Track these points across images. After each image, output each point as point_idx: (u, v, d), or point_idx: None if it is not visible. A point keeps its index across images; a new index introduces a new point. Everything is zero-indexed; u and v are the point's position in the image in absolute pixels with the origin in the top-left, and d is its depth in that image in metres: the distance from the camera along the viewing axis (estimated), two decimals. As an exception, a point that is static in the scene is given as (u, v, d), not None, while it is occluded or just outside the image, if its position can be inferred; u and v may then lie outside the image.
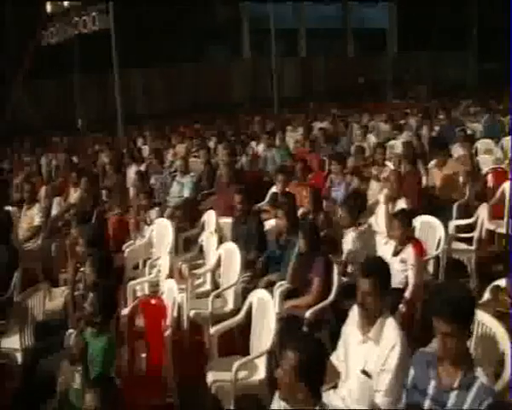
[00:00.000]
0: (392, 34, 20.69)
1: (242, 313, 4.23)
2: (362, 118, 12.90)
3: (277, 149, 9.12)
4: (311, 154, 8.40)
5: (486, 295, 4.12)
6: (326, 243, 4.98)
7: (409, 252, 4.63)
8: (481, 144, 9.54)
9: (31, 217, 7.20)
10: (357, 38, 27.02)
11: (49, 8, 14.22)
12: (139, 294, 5.36)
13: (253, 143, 10.38)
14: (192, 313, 4.84)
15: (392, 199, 5.77)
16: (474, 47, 23.51)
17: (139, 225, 6.36)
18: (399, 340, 2.92)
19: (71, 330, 4.27)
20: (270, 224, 5.71)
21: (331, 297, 4.43)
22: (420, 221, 5.56)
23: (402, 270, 4.59)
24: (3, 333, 4.63)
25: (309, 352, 2.37)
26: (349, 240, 5.05)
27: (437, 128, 10.92)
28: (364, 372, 2.99)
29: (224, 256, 5.17)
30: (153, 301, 4.09)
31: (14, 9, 16.78)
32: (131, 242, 6.19)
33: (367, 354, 3.00)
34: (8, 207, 7.32)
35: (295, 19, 25.28)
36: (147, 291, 5.28)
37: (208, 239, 5.70)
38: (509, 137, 10.14)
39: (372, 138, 10.39)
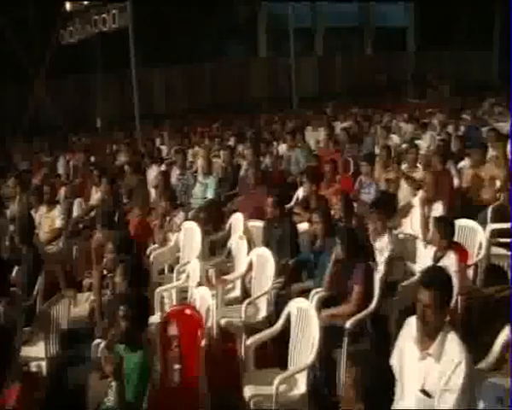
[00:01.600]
0: (412, 32, 20.33)
1: (280, 323, 4.01)
2: (383, 118, 12.63)
3: (300, 150, 8.88)
4: (337, 154, 8.15)
5: None
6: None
7: (451, 258, 4.39)
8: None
9: (52, 219, 7.06)
10: (376, 36, 26.71)
11: (68, 6, 14.09)
12: (166, 300, 5.18)
13: (276, 143, 10.16)
14: (223, 321, 4.62)
15: (428, 202, 5.54)
16: (496, 46, 23.11)
17: (163, 227, 6.16)
18: (464, 357, 2.69)
19: (98, 340, 4.09)
20: (302, 228, 5.49)
21: (372, 306, 4.21)
22: (458, 225, 5.30)
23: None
24: (28, 341, 4.47)
25: (372, 370, 2.18)
26: (384, 245, 4.80)
27: (462, 128, 10.64)
28: (424, 392, 2.76)
29: (256, 262, 4.95)
30: (187, 311, 3.88)
31: (36, 9, 16.74)
32: (156, 245, 6.00)
33: (426, 371, 2.77)
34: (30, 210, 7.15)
35: (313, 17, 25.02)
36: (174, 298, 5.08)
37: (238, 243, 5.48)
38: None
39: (395, 138, 10.14)
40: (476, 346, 2.91)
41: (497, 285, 5.64)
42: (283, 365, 3.98)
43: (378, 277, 4.26)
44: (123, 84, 16.67)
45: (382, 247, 4.79)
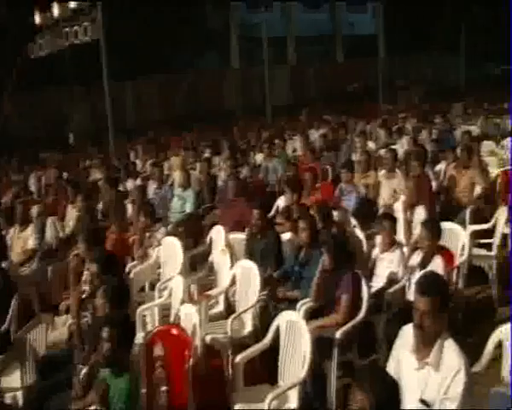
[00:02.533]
0: (382, 39, 20.72)
1: (269, 337, 3.89)
2: (357, 124, 12.70)
3: (278, 159, 8.84)
4: (315, 163, 8.11)
5: None
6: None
7: (438, 263, 4.36)
8: (484, 146, 9.39)
9: (24, 239, 6.81)
10: (347, 44, 27.10)
11: (37, 19, 13.75)
12: (148, 319, 5.01)
13: (252, 153, 10.09)
14: (208, 338, 4.48)
15: (410, 207, 5.54)
16: (463, 51, 23.69)
17: (143, 243, 6.00)
18: (463, 364, 2.63)
19: (80, 366, 3.90)
20: (284, 238, 5.40)
21: (361, 315, 4.14)
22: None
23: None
24: (2, 371, 4.23)
25: (381, 395, 2.08)
26: (394, 259, 4.78)
27: (435, 132, 10.77)
28: (423, 402, 2.69)
29: (240, 275, 4.83)
30: (174, 331, 3.73)
31: (2, 22, 16.35)
32: (135, 262, 5.82)
33: (425, 381, 2.70)
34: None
35: (285, 27, 25.23)
36: (157, 316, 4.92)
37: (220, 257, 5.36)
38: (509, 138, 10.12)
39: (370, 144, 10.18)
40: (462, 347, 2.88)
41: (478, 286, 5.68)
42: (272, 380, 3.88)
43: (376, 287, 4.20)
44: (95, 98, 16.44)
45: (392, 260, 4.76)
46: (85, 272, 4.97)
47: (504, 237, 6.11)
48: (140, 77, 20.12)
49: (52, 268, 6.45)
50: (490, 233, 5.95)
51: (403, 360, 2.84)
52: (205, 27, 23.46)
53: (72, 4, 11.49)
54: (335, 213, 5.88)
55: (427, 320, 2.67)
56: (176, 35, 21.21)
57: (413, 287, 4.42)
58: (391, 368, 2.92)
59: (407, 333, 2.87)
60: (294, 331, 3.71)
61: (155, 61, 20.42)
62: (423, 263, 4.45)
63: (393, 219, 4.93)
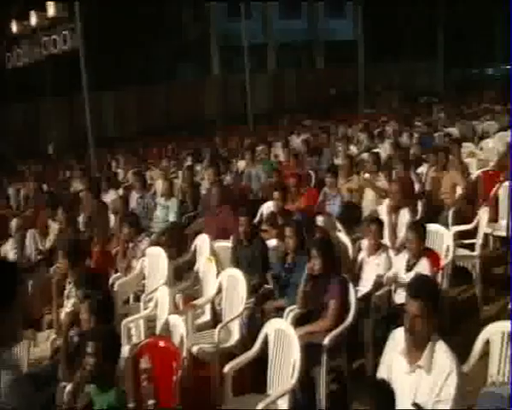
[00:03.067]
0: (361, 46, 20.97)
1: (258, 346, 3.84)
2: (338, 129, 12.77)
3: (261, 166, 8.81)
4: (299, 168, 8.11)
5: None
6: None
7: (424, 265, 4.37)
8: (464, 148, 9.48)
9: (4, 253, 6.68)
10: (327, 50, 27.34)
11: (14, 28, 13.48)
12: (134, 332, 4.92)
13: (235, 161, 10.05)
14: (195, 348, 4.41)
15: (394, 209, 5.55)
16: (441, 56, 24.10)
17: (126, 254, 5.90)
18: (455, 366, 2.63)
19: (64, 384, 3.80)
20: (269, 244, 5.35)
21: (349, 320, 4.11)
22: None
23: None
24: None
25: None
26: (380, 262, 4.80)
27: (416, 135, 10.86)
28: (416, 405, 2.67)
29: (227, 283, 4.78)
30: (161, 343, 3.66)
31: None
32: (119, 274, 5.72)
33: (417, 384, 2.69)
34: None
35: (264, 34, 25.34)
36: (142, 328, 4.83)
37: (205, 266, 5.29)
38: (488, 140, 10.28)
39: (352, 148, 10.23)
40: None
41: (462, 286, 5.72)
42: (260, 389, 3.83)
43: (363, 291, 4.18)
44: (74, 109, 16.24)
45: (379, 264, 4.76)
46: (68, 287, 4.88)
47: (486, 236, 6.20)
48: (120, 87, 19.98)
49: (32, 282, 6.32)
50: (472, 233, 6.03)
51: (394, 363, 2.83)
52: (184, 37, 23.45)
53: (51, 13, 11.30)
54: (320, 219, 5.88)
55: (419, 324, 2.66)
56: (155, 45, 21.16)
57: (399, 290, 4.46)
58: (382, 373, 2.90)
59: (398, 337, 2.86)
60: (283, 339, 3.67)
61: (135, 72, 20.32)
62: (410, 265, 4.46)
63: (380, 223, 4.93)
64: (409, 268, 4.45)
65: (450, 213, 6.41)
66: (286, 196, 5.98)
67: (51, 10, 11.16)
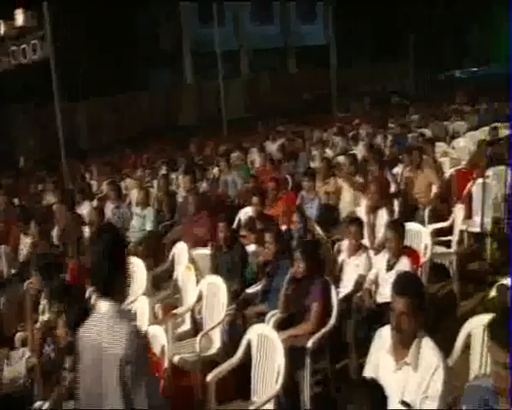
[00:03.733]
0: (334, 50, 21.21)
1: (240, 352, 3.78)
2: (313, 133, 12.81)
3: (237, 172, 8.77)
4: (276, 173, 8.09)
5: (492, 293, 4.04)
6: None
7: (404, 263, 4.39)
8: (437, 147, 9.61)
9: (-25, 270, 6.46)
10: (299, 55, 27.55)
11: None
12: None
13: (211, 168, 9.98)
14: (176, 358, 4.33)
15: (372, 209, 5.57)
16: (412, 57, 24.52)
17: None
18: (441, 361, 2.63)
19: (40, 402, 3.67)
20: (249, 250, 5.30)
21: (332, 322, 4.09)
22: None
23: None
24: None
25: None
26: (360, 263, 4.79)
27: (390, 137, 10.97)
28: (404, 403, 2.65)
29: (207, 291, 4.70)
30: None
31: None
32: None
33: (404, 381, 2.67)
34: None
35: (237, 40, 25.40)
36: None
37: (184, 274, 5.21)
38: (459, 139, 10.47)
39: (328, 152, 10.27)
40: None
41: (439, 282, 5.77)
42: (244, 395, 3.77)
43: (344, 292, 4.16)
44: (45, 120, 15.86)
45: (359, 264, 4.76)
46: (42, 302, 4.74)
47: (461, 233, 6.29)
48: (92, 97, 19.72)
49: (5, 299, 6.14)
50: (446, 231, 6.10)
51: (380, 362, 2.80)
52: (157, 45, 23.33)
53: (20, 22, 11.02)
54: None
55: (405, 321, 2.65)
56: (127, 53, 20.97)
57: (381, 289, 4.47)
58: (368, 372, 2.87)
59: (384, 335, 2.84)
60: (266, 344, 3.62)
61: (107, 81, 20.08)
62: (390, 264, 4.46)
63: (360, 223, 4.93)
64: (389, 267, 4.46)
65: (427, 211, 6.50)
66: (264, 201, 5.95)
67: (20, 19, 10.90)
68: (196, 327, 4.89)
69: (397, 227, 4.43)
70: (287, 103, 22.14)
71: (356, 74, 24.94)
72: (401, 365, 2.71)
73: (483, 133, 10.09)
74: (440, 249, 5.81)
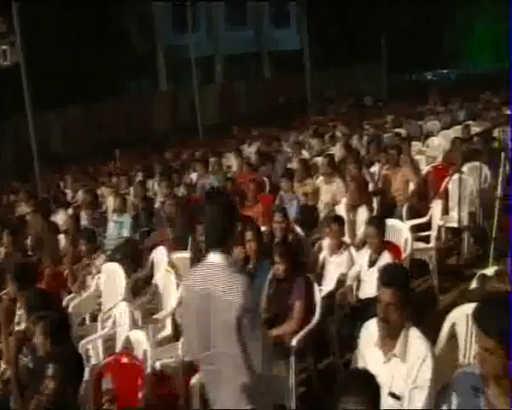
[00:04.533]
0: (307, 54, 21.38)
1: (224, 355, 3.70)
2: (289, 136, 12.85)
3: (214, 176, 8.71)
4: (252, 175, 8.05)
5: (473, 284, 4.03)
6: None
7: (386, 258, 4.38)
8: (412, 146, 9.73)
9: None
10: (274, 60, 27.67)
11: None
12: (91, 352, 4.67)
13: (187, 173, 9.91)
14: (158, 364, 4.23)
15: (352, 207, 5.58)
16: (384, 59, 24.88)
17: (74, 274, 5.66)
18: (429, 351, 2.63)
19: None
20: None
21: (315, 320, 4.06)
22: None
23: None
24: None
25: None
26: (342, 261, 4.80)
27: (365, 137, 11.07)
28: (392, 395, 2.63)
29: (187, 294, 4.61)
30: (124, 360, 3.46)
31: None
32: (73, 295, 5.45)
33: (393, 373, 2.66)
34: None
35: (211, 46, 25.35)
36: (101, 349, 4.60)
37: (164, 279, 5.12)
38: (433, 138, 10.65)
39: (304, 153, 10.30)
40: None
41: (420, 277, 5.81)
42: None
43: (327, 290, 4.13)
44: (16, 129, 15.52)
45: (341, 262, 4.74)
46: (18, 313, 4.59)
47: (439, 228, 6.36)
48: (64, 105, 19.41)
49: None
50: (424, 227, 6.16)
51: (368, 356, 2.79)
52: (131, 52, 23.11)
53: None
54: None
55: (392, 312, 2.64)
56: (100, 61, 20.71)
57: (363, 285, 4.46)
58: (357, 365, 2.85)
59: (370, 328, 2.84)
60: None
61: (79, 89, 19.79)
62: (372, 261, 4.46)
63: (342, 222, 4.93)
64: (371, 264, 4.45)
65: (405, 208, 6.55)
66: (243, 203, 5.90)
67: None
68: (177, 332, 4.80)
69: (378, 223, 4.43)
70: (262, 109, 22.19)
71: (330, 77, 25.16)
72: (389, 357, 2.70)
73: (456, 132, 10.31)
74: (420, 245, 5.86)
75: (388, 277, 2.72)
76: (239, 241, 4.84)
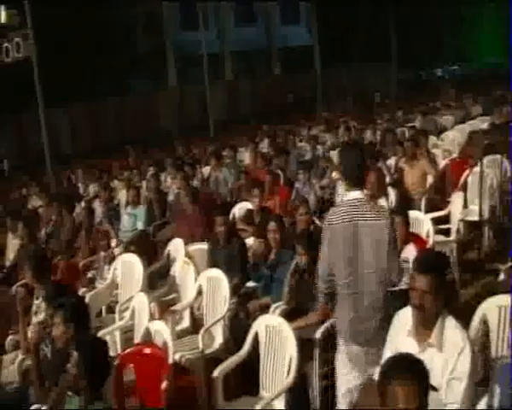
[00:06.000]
0: (317, 51, 21.25)
1: (247, 346, 3.62)
2: (299, 131, 12.75)
3: (228, 169, 8.62)
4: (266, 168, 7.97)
5: (501, 277, 3.98)
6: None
7: (410, 250, 4.26)
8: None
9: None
10: (282, 56, 27.56)
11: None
12: (109, 344, 4.59)
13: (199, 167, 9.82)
14: (177, 356, 4.15)
15: (373, 199, 5.46)
16: (395, 57, 24.75)
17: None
18: (467, 341, 2.52)
19: (36, 406, 3.47)
20: (248, 243, 5.16)
21: (340, 311, 3.94)
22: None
23: (406, 269, 4.22)
24: None
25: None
26: None
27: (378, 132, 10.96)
28: (430, 386, 2.52)
29: (207, 286, 4.54)
30: (147, 350, 3.38)
31: None
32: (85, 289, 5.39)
33: (428, 363, 2.53)
34: None
35: (220, 43, 25.24)
36: (118, 340, 4.52)
37: (182, 270, 5.04)
38: (447, 132, 10.53)
39: (319, 148, 10.21)
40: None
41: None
42: (249, 390, 3.61)
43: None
44: (21, 126, 15.45)
45: None
46: (35, 302, 4.53)
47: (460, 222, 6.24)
48: (70, 103, 19.38)
49: (-10, 303, 5.90)
50: (443, 220, 6.05)
51: (401, 345, 2.68)
52: (136, 49, 23.05)
53: (2, 19, 10.64)
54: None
55: (428, 300, 2.53)
56: (106, 59, 20.66)
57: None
58: (388, 356, 2.75)
59: (402, 318, 2.74)
60: (276, 336, 3.47)
61: (85, 86, 19.76)
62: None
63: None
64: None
65: (423, 201, 6.44)
66: (262, 195, 5.82)
67: (2, 17, 10.52)
68: (195, 324, 4.72)
69: (403, 212, 4.32)
70: (270, 106, 22.08)
71: (339, 74, 25.01)
72: (424, 346, 2.59)
73: (472, 126, 10.20)
74: (440, 238, 5.75)
75: (425, 264, 2.62)
76: (259, 233, 4.78)
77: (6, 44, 11.13)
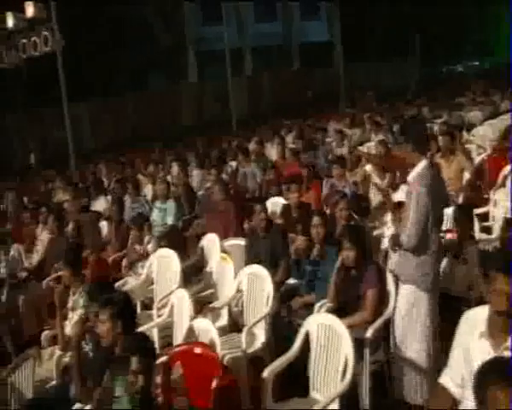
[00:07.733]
0: (339, 47, 21.03)
1: (298, 345, 3.48)
2: (327, 126, 12.53)
3: (255, 164, 8.48)
4: (298, 163, 7.81)
5: None
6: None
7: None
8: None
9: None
10: (302, 52, 27.37)
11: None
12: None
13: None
14: (220, 354, 4.01)
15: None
16: (417, 54, 24.47)
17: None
18: None
19: (79, 406, 3.36)
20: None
21: (390, 310, 3.78)
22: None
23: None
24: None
25: None
26: None
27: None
28: None
29: (247, 282, 4.40)
30: (197, 350, 3.25)
31: None
32: (124, 280, 5.29)
33: None
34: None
35: (240, 38, 25.12)
36: (156, 338, 4.41)
37: (220, 266, 4.90)
38: (478, 128, 10.28)
39: (345, 143, 10.02)
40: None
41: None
42: (303, 391, 3.47)
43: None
44: (44, 121, 15.40)
45: None
46: (72, 297, 4.43)
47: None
48: (92, 98, 19.41)
49: (23, 299, 5.85)
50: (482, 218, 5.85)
51: (473, 347, 2.52)
52: (156, 45, 23.01)
53: (30, 13, 10.59)
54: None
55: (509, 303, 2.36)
56: (125, 55, 20.67)
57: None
58: (457, 357, 2.60)
59: (472, 319, 2.57)
60: (329, 335, 3.32)
61: (105, 82, 19.79)
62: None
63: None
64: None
65: (460, 197, 6.25)
66: (301, 189, 5.66)
67: (30, 10, 10.46)
68: (233, 323, 4.59)
69: (467, 213, 4.16)
70: (290, 101, 21.88)
71: (359, 71, 24.74)
72: (501, 350, 2.42)
73: (502, 121, 9.92)
74: (483, 236, 5.54)
75: (510, 263, 2.43)
76: (304, 229, 4.61)
77: (34, 38, 11.06)
